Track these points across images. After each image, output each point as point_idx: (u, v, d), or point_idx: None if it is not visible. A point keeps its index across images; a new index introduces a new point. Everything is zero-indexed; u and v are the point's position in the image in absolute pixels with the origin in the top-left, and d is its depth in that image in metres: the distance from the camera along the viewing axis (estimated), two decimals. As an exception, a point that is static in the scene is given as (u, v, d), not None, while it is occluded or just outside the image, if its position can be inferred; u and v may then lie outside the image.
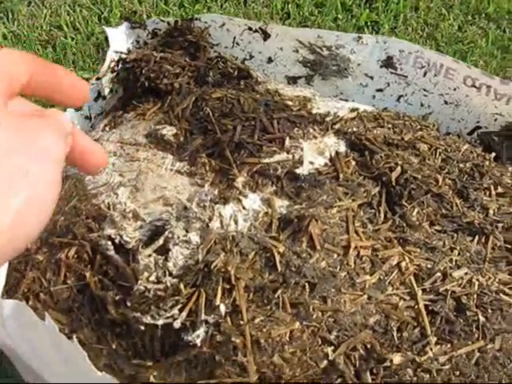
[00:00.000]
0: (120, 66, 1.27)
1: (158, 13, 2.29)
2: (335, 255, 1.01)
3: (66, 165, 0.51)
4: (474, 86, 1.29)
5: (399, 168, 1.11)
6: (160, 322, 0.93)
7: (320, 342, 0.95)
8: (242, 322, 0.93)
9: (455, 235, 1.08)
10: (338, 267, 1.00)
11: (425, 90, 1.35)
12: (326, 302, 0.97)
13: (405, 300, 1.00)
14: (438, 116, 1.35)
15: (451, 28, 2.37)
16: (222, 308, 0.91)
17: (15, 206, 0.45)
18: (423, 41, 2.26)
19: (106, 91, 1.30)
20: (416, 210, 1.09)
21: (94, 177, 1.10)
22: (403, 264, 1.02)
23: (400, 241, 1.05)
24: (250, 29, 1.35)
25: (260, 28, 1.34)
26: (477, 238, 1.08)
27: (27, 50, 2.13)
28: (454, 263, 1.04)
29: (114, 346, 0.97)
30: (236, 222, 1.00)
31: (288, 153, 1.12)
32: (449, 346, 0.98)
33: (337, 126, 1.18)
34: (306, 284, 0.97)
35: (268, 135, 1.14)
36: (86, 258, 1.02)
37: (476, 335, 0.98)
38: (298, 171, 1.10)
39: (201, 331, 0.92)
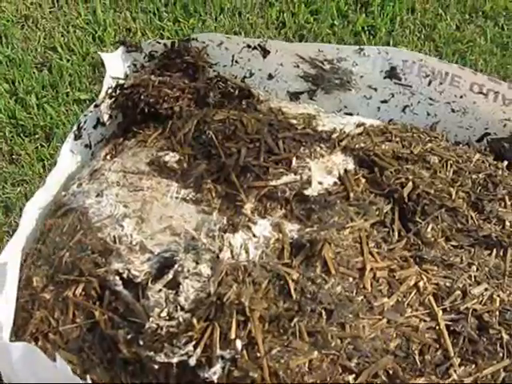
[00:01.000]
0: (118, 91, 1.24)
1: (152, 29, 2.26)
2: (351, 279, 0.98)
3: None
4: (481, 93, 1.26)
5: (410, 183, 1.09)
6: (175, 360, 0.89)
7: (340, 371, 0.92)
8: (258, 355, 0.90)
9: (472, 250, 1.05)
10: (355, 291, 0.97)
11: (430, 98, 1.32)
12: (345, 329, 0.94)
13: (425, 321, 0.97)
14: (445, 125, 1.32)
15: (449, 28, 2.34)
16: (239, 343, 0.88)
17: None
18: (421, 42, 2.24)
19: (105, 117, 1.27)
20: (430, 226, 1.06)
21: (98, 209, 1.07)
22: (421, 284, 0.99)
23: (416, 259, 1.02)
24: (248, 46, 1.32)
25: (259, 45, 1.31)
26: (495, 251, 1.05)
27: (23, 74, 2.10)
28: (473, 279, 1.01)
29: (128, 386, 0.94)
30: (247, 251, 0.97)
31: (295, 174, 1.09)
32: (473, 366, 0.95)
33: (344, 143, 1.15)
34: (323, 311, 0.94)
35: (274, 156, 1.11)
36: (94, 294, 0.99)
37: (500, 354, 0.95)
38: (306, 192, 1.07)
39: (217, 367, 0.89)
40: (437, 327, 0.96)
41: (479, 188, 1.12)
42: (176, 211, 1.05)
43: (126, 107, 1.23)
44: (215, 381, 0.88)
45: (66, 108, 2.04)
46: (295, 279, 0.96)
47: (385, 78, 1.32)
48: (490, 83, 1.24)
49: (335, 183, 1.09)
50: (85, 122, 1.24)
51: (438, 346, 0.95)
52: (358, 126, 1.20)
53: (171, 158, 1.13)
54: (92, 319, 0.98)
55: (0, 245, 1.70)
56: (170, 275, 0.95)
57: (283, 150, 1.12)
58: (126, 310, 0.97)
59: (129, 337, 0.93)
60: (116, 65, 1.29)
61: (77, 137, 1.23)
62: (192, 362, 0.89)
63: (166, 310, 0.93)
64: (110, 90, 1.26)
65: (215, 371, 0.89)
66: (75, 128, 1.23)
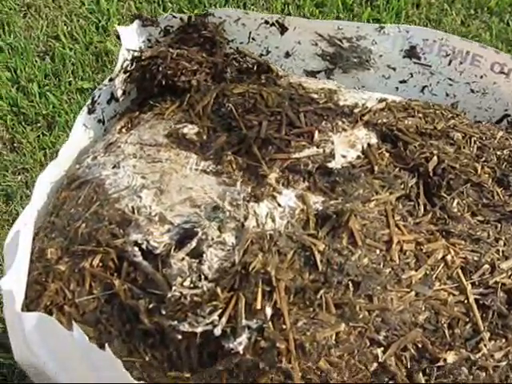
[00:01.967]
0: (134, 65, 1.21)
1: (157, 19, 2.24)
2: (378, 251, 0.95)
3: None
4: (503, 73, 1.24)
5: (435, 158, 1.06)
6: (199, 330, 0.87)
7: (368, 344, 0.89)
8: (284, 327, 0.88)
9: (499, 225, 1.03)
10: (382, 263, 0.94)
11: (450, 79, 1.30)
12: (372, 301, 0.91)
13: (454, 295, 0.94)
14: (464, 106, 1.30)
15: (454, 23, 2.33)
16: (268, 311, 0.86)
17: None
18: (427, 37, 2.22)
19: (119, 93, 1.24)
20: (456, 201, 1.03)
21: (115, 180, 1.04)
22: (449, 257, 0.97)
23: (443, 233, 1.00)
24: (266, 22, 1.30)
25: (277, 21, 1.29)
26: (522, 227, 1.03)
27: (25, 62, 2.07)
28: (500, 254, 0.99)
29: (147, 358, 0.91)
30: (273, 220, 0.95)
31: (318, 147, 1.07)
32: (503, 341, 0.92)
33: (366, 118, 1.12)
34: (350, 283, 0.92)
35: (295, 129, 1.09)
36: (112, 265, 0.96)
37: (531, 328, 0.93)
38: (330, 165, 1.04)
39: (243, 338, 0.86)
40: (466, 301, 0.94)
41: (504, 164, 1.10)
42: (196, 183, 1.03)
43: (142, 80, 1.20)
44: (241, 351, 0.86)
45: (68, 97, 2.02)
46: (321, 250, 0.93)
47: (404, 57, 1.30)
48: (511, 62, 1.22)
49: (359, 157, 1.07)
50: (99, 96, 1.21)
51: (467, 320, 0.92)
52: (380, 101, 1.17)
53: (190, 130, 1.10)
54: (110, 290, 0.94)
55: (0, 232, 1.67)
56: (194, 243, 0.92)
57: (305, 123, 1.09)
58: (145, 280, 0.94)
59: (150, 306, 0.90)
60: (131, 39, 1.26)
61: (90, 111, 1.20)
62: (217, 331, 0.86)
63: (188, 278, 0.90)
64: (125, 64, 1.23)
65: (241, 341, 0.86)
66: (89, 102, 1.20)
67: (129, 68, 1.23)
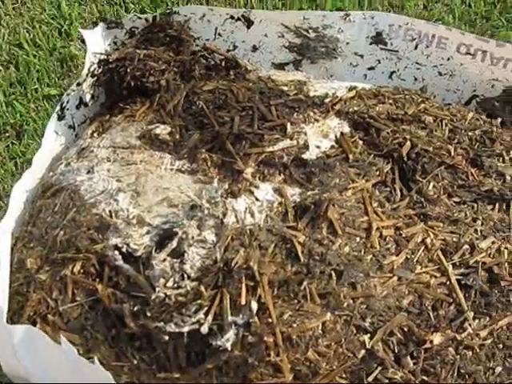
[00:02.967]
0: (101, 68, 1.20)
1: (118, 21, 2.22)
2: (358, 239, 0.96)
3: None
4: (469, 53, 1.25)
5: (408, 143, 1.07)
6: (186, 329, 0.86)
7: (355, 331, 0.90)
8: (270, 320, 0.88)
9: (475, 205, 1.04)
10: (363, 251, 0.95)
11: (417, 63, 1.31)
12: (356, 289, 0.91)
13: (436, 277, 0.95)
14: (432, 89, 1.30)
15: (417, 8, 2.33)
16: (254, 306, 0.85)
17: None
18: (391, 23, 2.23)
19: (88, 97, 1.23)
20: (432, 184, 1.04)
21: (90, 185, 1.03)
22: (428, 240, 0.98)
23: (421, 217, 1.01)
24: (231, 17, 1.29)
25: (243, 15, 1.28)
26: (497, 205, 1.04)
27: (-12, 73, 2.04)
28: (479, 234, 1.00)
29: (135, 362, 0.90)
30: (252, 215, 0.94)
31: (291, 139, 1.07)
32: (487, 319, 0.93)
33: (337, 107, 1.13)
34: (332, 272, 0.92)
35: (268, 123, 1.09)
36: (93, 271, 0.96)
37: (514, 305, 0.94)
38: (305, 156, 1.04)
39: (230, 334, 0.86)
40: (448, 282, 0.95)
41: (477, 144, 1.11)
42: (172, 182, 1.02)
43: (110, 82, 1.19)
44: (229, 348, 0.85)
45: (35, 104, 1.99)
46: (302, 242, 0.93)
47: (371, 43, 1.31)
48: (477, 42, 1.23)
49: (332, 146, 1.07)
50: (67, 102, 1.20)
51: (450, 301, 0.93)
52: (350, 89, 1.17)
53: (162, 130, 1.10)
54: (93, 296, 0.94)
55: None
56: (174, 243, 0.92)
57: (277, 116, 1.10)
58: (128, 284, 0.93)
59: (135, 309, 0.90)
60: (96, 42, 1.25)
61: (60, 117, 1.19)
62: (204, 330, 0.86)
63: (171, 279, 0.90)
64: (92, 68, 1.22)
65: (228, 338, 0.86)
66: (58, 108, 1.19)
67: (96, 72, 1.22)
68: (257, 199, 0.97)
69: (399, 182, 1.05)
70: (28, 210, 1.10)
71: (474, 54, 1.24)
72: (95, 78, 1.22)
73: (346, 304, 0.90)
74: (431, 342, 0.90)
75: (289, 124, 1.08)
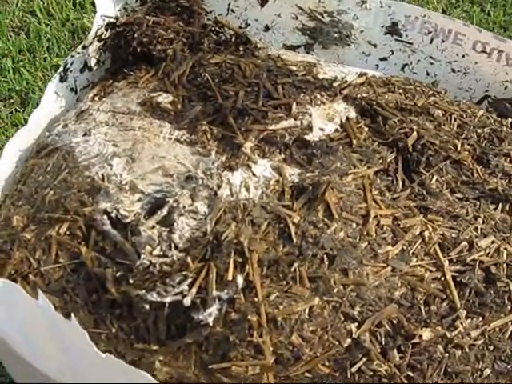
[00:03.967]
0: (109, 32, 1.17)
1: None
2: (354, 225, 0.93)
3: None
4: (485, 52, 1.22)
5: (415, 133, 1.04)
6: (168, 300, 0.83)
7: (342, 319, 0.87)
8: (256, 299, 0.85)
9: (478, 203, 1.01)
10: (358, 237, 0.92)
11: (431, 57, 1.28)
12: (348, 275, 0.89)
13: (431, 271, 0.92)
14: (444, 85, 1.27)
15: (435, 12, 2.31)
16: (240, 281, 0.83)
17: None
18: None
19: (93, 62, 1.21)
20: (435, 178, 1.02)
21: (85, 147, 1.01)
22: (426, 233, 0.95)
23: (421, 209, 0.98)
24: (246, -7, 1.27)
25: (257, -8, 1.27)
26: (500, 205, 1.02)
27: (-1, 37, 2.02)
28: (479, 232, 0.97)
29: (113, 330, 0.87)
30: (247, 190, 0.92)
31: (295, 119, 1.04)
32: (480, 319, 0.90)
33: (345, 92, 1.10)
34: (325, 256, 0.89)
35: (273, 101, 1.06)
36: (80, 234, 0.93)
37: (508, 307, 0.92)
38: (307, 138, 1.02)
39: (213, 309, 0.83)
40: (442, 278, 0.92)
41: (485, 142, 1.08)
42: (169, 152, 0.99)
43: (117, 47, 1.16)
44: (210, 323, 0.83)
45: (42, 73, 1.97)
46: (296, 222, 0.91)
47: (385, 33, 1.28)
48: (494, 41, 1.20)
49: (337, 130, 1.05)
50: (71, 64, 1.18)
51: (444, 297, 0.90)
52: (360, 75, 1.15)
53: (164, 99, 1.07)
54: (77, 259, 0.91)
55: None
56: (164, 211, 0.89)
57: (283, 95, 1.07)
58: (113, 250, 0.90)
59: (118, 275, 0.87)
60: (107, 6, 1.22)
61: (62, 79, 1.16)
62: (187, 302, 0.83)
63: (158, 247, 0.87)
64: (100, 32, 1.19)
65: (211, 312, 0.83)
66: (61, 69, 1.16)
67: (103, 36, 1.19)
68: (254, 174, 0.94)
69: (402, 172, 1.02)
70: (20, 168, 1.07)
71: (489, 52, 1.22)
72: (102, 43, 1.20)
73: (335, 290, 0.87)
74: (420, 337, 0.87)
75: (294, 104, 1.05)
